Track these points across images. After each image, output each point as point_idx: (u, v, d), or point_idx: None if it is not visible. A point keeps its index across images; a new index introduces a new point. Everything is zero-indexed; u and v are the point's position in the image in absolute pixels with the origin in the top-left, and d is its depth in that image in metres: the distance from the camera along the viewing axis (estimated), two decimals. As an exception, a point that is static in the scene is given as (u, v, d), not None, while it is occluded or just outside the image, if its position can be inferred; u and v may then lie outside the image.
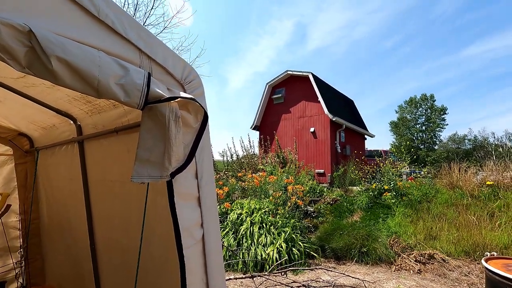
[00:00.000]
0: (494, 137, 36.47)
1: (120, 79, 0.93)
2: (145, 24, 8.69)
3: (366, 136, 16.91)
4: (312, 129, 12.80)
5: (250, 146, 12.05)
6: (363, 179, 9.71)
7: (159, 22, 14.54)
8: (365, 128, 16.73)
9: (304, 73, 13.39)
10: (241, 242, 5.42)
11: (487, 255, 2.87)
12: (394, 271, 4.96)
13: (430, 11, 64.26)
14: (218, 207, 6.61)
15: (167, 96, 1.01)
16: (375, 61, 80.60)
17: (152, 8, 9.13)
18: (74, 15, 0.89)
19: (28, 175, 3.35)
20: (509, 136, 34.80)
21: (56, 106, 2.29)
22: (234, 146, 14.11)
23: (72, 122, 2.45)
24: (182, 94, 1.08)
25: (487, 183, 6.99)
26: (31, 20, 0.80)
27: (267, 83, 14.70)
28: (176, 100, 1.05)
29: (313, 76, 13.13)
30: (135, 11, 8.64)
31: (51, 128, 2.83)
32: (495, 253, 3.05)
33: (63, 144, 2.70)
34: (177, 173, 1.12)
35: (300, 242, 5.46)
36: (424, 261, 5.14)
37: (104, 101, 1.92)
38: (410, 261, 5.16)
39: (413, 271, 4.88)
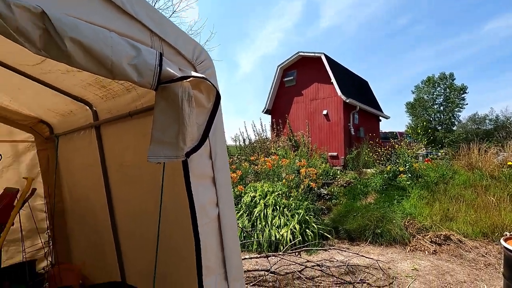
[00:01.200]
0: (517, 117, 34.86)
1: (132, 60, 0.94)
2: (154, 9, 8.58)
3: (380, 118, 16.52)
4: (324, 112, 12.60)
5: (262, 130, 12.04)
6: (378, 161, 9.58)
7: (168, 6, 14.37)
8: (379, 110, 16.32)
9: (316, 54, 13.04)
10: (255, 223, 5.53)
11: (506, 235, 2.81)
12: (408, 251, 4.96)
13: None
14: (232, 190, 6.74)
15: (180, 76, 1.01)
16: (389, 40, 77.25)
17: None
18: (85, -4, 0.89)
19: (50, 161, 3.49)
20: (534, 115, 33.20)
21: (72, 92, 2.35)
22: (246, 131, 14.12)
23: (88, 108, 2.50)
24: (194, 74, 1.08)
25: (508, 163, 6.75)
26: (42, 1, 0.81)
27: (278, 66, 14.44)
28: (189, 79, 1.05)
29: (326, 57, 12.77)
30: (143, -5, 8.53)
31: (68, 114, 2.91)
32: (514, 233, 2.99)
33: (80, 130, 2.77)
34: (192, 153, 1.14)
35: (313, 224, 5.52)
36: (439, 242, 5.10)
37: (118, 86, 1.95)
38: (426, 242, 5.13)
39: (428, 251, 4.87)
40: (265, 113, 14.83)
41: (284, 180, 6.24)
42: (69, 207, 3.48)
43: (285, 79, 14.20)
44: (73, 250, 3.57)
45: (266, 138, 12.09)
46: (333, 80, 12.23)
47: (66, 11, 0.85)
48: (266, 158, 7.70)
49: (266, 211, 5.69)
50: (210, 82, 1.12)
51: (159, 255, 1.88)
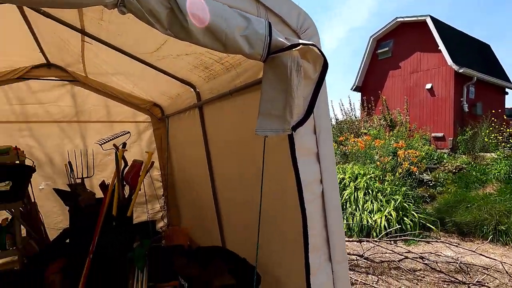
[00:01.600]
0: None
1: (244, 31, 0.93)
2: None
3: (507, 90, 13.21)
4: (428, 86, 10.80)
5: (351, 109, 11.24)
6: (502, 144, 7.76)
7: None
8: (506, 80, 13.03)
9: (420, 18, 11.11)
10: (344, 206, 5.31)
11: None
12: (548, 257, 3.94)
13: None
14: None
15: (289, 44, 0.95)
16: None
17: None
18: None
19: (162, 138, 4.07)
20: None
21: (180, 76, 2.61)
22: (333, 110, 13.45)
23: (192, 89, 2.76)
24: (303, 41, 1.00)
25: None
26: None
27: (371, 36, 12.99)
28: (297, 48, 0.98)
29: (432, 19, 10.76)
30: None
31: (176, 97, 3.28)
32: None
33: (186, 110, 3.10)
34: (298, 127, 1.10)
35: (413, 212, 4.94)
36: None
37: (219, 66, 2.05)
38: None
39: None
40: (353, 90, 13.73)
41: (378, 163, 5.72)
42: (178, 178, 4.02)
43: (379, 51, 12.69)
44: (181, 215, 4.16)
45: (355, 117, 11.26)
46: (441, 46, 10.28)
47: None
48: (356, 139, 7.19)
49: (357, 195, 5.37)
50: (319, 49, 1.03)
51: (256, 228, 1.97)
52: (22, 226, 2.76)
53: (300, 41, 1.03)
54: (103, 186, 2.96)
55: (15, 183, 2.51)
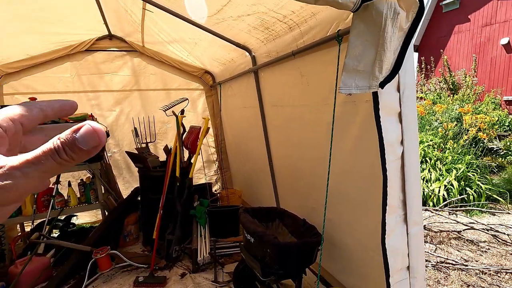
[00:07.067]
0: None
1: (336, -24, 0.85)
2: None
3: None
4: (505, 40, 9.26)
5: (406, 71, 10.23)
6: None
7: None
8: None
9: (499, -43, 9.29)
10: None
11: None
12: None
13: None
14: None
15: (387, -13, 0.86)
16: None
17: None
18: None
19: (215, 105, 4.17)
20: None
21: (236, 40, 2.57)
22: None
23: (247, 54, 2.72)
24: (401, -16, 0.89)
25: None
26: None
27: (433, -14, 11.31)
28: (394, -8, 0.88)
29: (516, -42, 8.92)
30: None
31: (229, 62, 3.27)
32: None
33: (239, 76, 3.09)
34: (386, 83, 1.02)
35: (478, 182, 4.55)
36: None
37: (281, 26, 1.96)
38: None
39: None
40: (409, 50, 12.40)
41: (440, 129, 5.27)
42: (231, 144, 4.16)
43: (444, 2, 11.06)
44: (234, 179, 4.36)
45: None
46: (525, -8, 8.60)
47: None
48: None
49: (413, 163, 5.07)
50: (417, -8, 0.91)
51: (315, 194, 1.99)
52: (101, 184, 3.15)
53: (396, -16, 0.92)
54: (166, 150, 3.19)
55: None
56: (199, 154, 3.18)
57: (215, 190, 4.31)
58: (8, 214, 0.26)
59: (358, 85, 1.02)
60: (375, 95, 1.10)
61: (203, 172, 4.15)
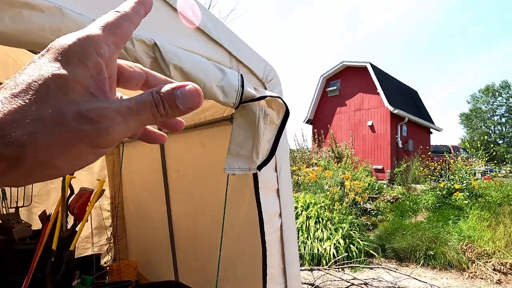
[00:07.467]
0: None
1: (220, 82, 1.05)
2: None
3: (431, 130, 15.39)
4: (370, 123, 12.12)
5: (303, 140, 11.95)
6: (429, 176, 8.92)
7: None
8: (430, 121, 15.23)
9: (362, 64, 12.68)
10: (297, 235, 5.49)
11: None
12: (467, 278, 4.52)
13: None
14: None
15: (259, 96, 1.10)
16: (441, 46, 71.91)
17: (209, 7, 9.58)
18: (183, 28, 1.03)
19: (115, 165, 3.87)
20: None
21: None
22: (287, 141, 14.08)
23: (153, 118, 2.76)
24: (270, 93, 1.16)
25: None
26: (154, 35, 0.96)
27: (321, 76, 14.31)
28: (265, 98, 1.13)
29: (372, 66, 12.36)
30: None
31: (134, 123, 3.22)
32: None
33: (145, 138, 3.05)
34: (263, 166, 1.22)
35: (358, 240, 5.31)
36: (505, 271, 4.57)
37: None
38: (487, 269, 4.63)
39: (491, 280, 4.38)
40: (306, 122, 14.71)
41: (328, 193, 6.12)
42: (129, 208, 3.81)
43: (328, 88, 13.99)
44: (130, 249, 3.88)
45: (307, 148, 11.96)
46: (379, 90, 11.77)
47: (170, 41, 0.99)
48: (308, 169, 7.63)
49: (308, 223, 5.61)
50: (283, 100, 1.20)
51: (214, 260, 1.98)
52: None
53: (267, 93, 1.19)
54: (43, 216, 2.69)
55: None
56: (86, 221, 2.79)
57: (105, 263, 3.71)
58: (100, 157, 0.24)
59: (241, 167, 1.18)
60: (255, 176, 1.29)
61: (91, 241, 3.58)
